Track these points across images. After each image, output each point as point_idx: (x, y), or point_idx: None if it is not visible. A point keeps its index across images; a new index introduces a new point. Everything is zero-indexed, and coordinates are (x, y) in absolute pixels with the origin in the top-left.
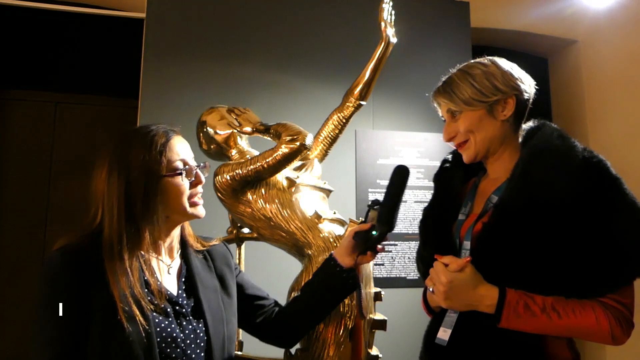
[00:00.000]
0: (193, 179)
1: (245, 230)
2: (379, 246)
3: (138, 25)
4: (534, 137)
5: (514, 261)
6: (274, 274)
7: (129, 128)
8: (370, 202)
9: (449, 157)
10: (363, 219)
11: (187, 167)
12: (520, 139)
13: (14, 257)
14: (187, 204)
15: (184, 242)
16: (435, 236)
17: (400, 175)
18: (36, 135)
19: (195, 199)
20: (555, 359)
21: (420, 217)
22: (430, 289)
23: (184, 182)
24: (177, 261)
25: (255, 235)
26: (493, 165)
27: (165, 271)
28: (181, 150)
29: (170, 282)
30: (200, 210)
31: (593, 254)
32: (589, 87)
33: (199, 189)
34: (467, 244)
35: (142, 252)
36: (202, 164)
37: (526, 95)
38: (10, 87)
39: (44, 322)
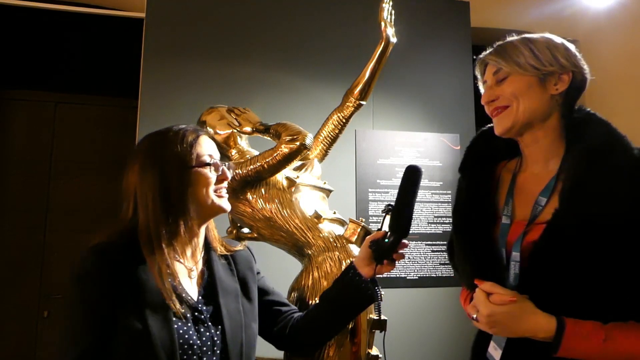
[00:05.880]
0: (220, 173)
1: (245, 230)
2: (397, 254)
3: (138, 25)
4: (583, 134)
5: (569, 286)
6: (274, 274)
7: (160, 129)
8: (384, 207)
9: (472, 143)
10: (363, 220)
11: (214, 161)
12: (563, 129)
13: (14, 258)
14: (213, 195)
15: (207, 246)
16: (476, 245)
17: (411, 177)
18: (36, 135)
19: (221, 192)
20: None
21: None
22: (474, 316)
23: (211, 174)
24: (200, 265)
25: (255, 235)
26: (530, 148)
27: (186, 275)
28: (209, 147)
29: (190, 287)
30: (225, 204)
31: None
32: (589, 87)
33: (224, 184)
34: (516, 256)
35: (169, 254)
36: (227, 164)
37: (583, 76)
38: (10, 87)
39: (72, 321)
